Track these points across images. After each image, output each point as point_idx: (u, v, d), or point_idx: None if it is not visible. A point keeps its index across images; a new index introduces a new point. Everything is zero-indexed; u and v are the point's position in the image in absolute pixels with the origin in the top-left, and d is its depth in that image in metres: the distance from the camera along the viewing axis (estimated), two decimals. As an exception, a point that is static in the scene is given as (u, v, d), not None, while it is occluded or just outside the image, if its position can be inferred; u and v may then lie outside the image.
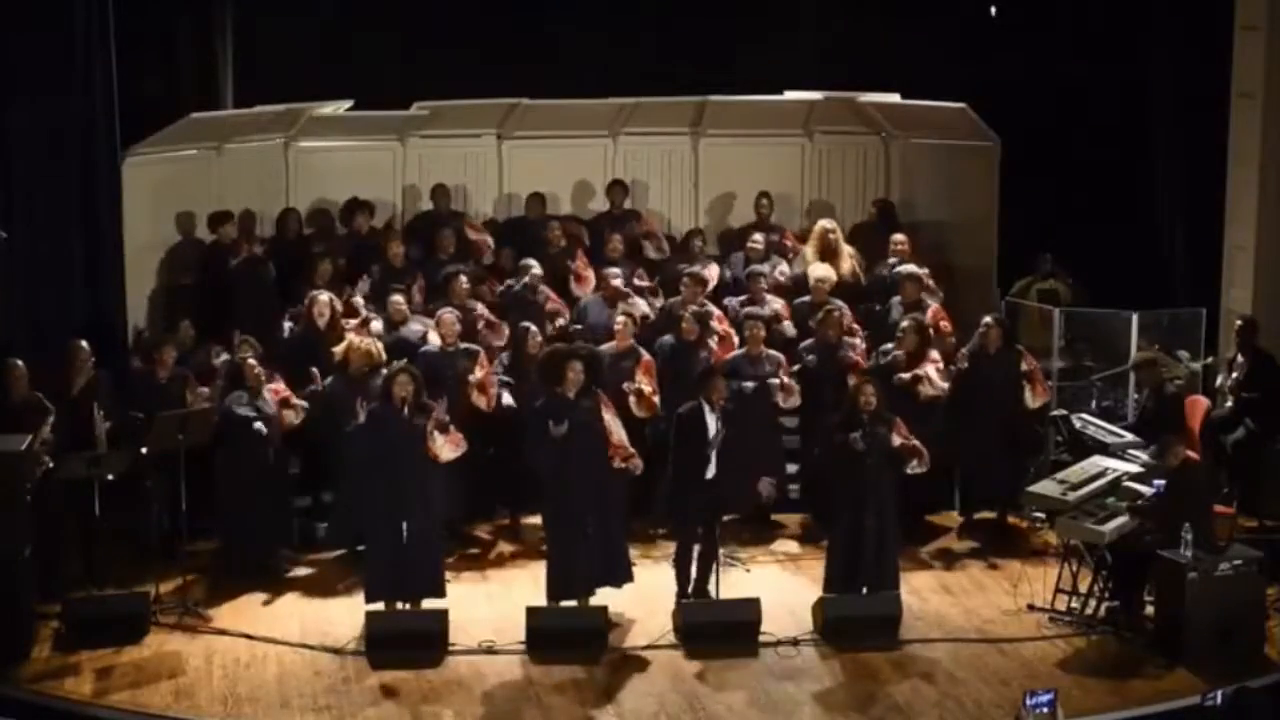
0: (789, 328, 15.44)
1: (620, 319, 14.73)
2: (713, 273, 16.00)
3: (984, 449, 14.65)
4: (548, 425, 12.78)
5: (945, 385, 14.51)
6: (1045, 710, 10.60)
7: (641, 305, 15.38)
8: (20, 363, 13.30)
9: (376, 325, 14.66)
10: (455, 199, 16.93)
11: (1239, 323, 15.34)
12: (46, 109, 14.89)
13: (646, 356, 14.59)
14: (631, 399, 14.25)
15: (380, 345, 14.26)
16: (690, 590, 13.24)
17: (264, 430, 13.63)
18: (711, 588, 13.13)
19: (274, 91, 16.62)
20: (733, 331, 15.15)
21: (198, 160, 16.30)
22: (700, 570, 13.21)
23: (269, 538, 13.95)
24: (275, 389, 13.90)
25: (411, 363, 13.50)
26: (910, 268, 15.68)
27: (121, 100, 15.16)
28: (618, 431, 13.17)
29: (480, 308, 15.12)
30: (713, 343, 14.92)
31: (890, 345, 14.83)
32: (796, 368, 14.79)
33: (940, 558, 14.44)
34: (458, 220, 16.54)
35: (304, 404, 13.99)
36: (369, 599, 12.91)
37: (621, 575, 13.11)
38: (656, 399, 14.37)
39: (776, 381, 14.50)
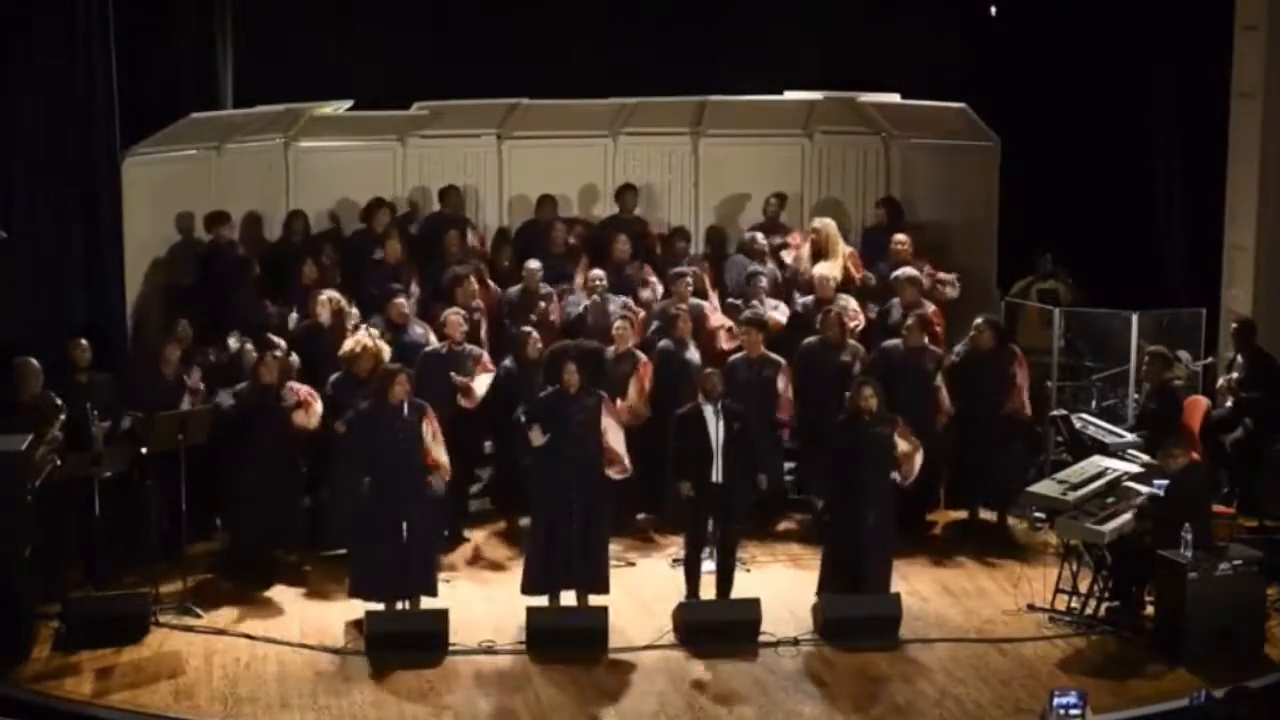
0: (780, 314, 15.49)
1: (620, 323, 14.72)
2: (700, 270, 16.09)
3: (977, 448, 14.66)
4: (530, 426, 12.93)
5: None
6: (1075, 713, 10.57)
7: (615, 303, 15.29)
8: (34, 361, 13.29)
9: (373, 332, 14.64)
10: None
11: (1234, 325, 15.37)
12: (46, 109, 14.89)
13: (645, 359, 14.58)
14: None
15: (386, 346, 14.25)
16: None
17: (293, 401, 13.69)
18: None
19: (274, 91, 16.60)
20: (725, 321, 15.16)
21: (198, 160, 16.28)
22: (720, 581, 13.21)
23: (274, 536, 13.97)
24: (296, 389, 13.90)
25: (412, 364, 13.54)
26: (910, 270, 15.66)
27: (121, 100, 15.16)
28: (613, 435, 13.20)
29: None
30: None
31: (894, 341, 14.90)
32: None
33: (940, 558, 14.44)
34: (463, 224, 16.53)
35: (318, 409, 13.88)
36: (352, 595, 12.96)
37: (598, 584, 13.06)
38: (644, 407, 14.39)
39: (781, 387, 14.52)
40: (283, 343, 14.45)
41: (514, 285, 15.64)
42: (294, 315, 15.07)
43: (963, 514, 15.15)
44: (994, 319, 15.17)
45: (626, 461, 13.22)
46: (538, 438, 12.92)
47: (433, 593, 13.00)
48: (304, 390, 13.88)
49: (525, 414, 13.10)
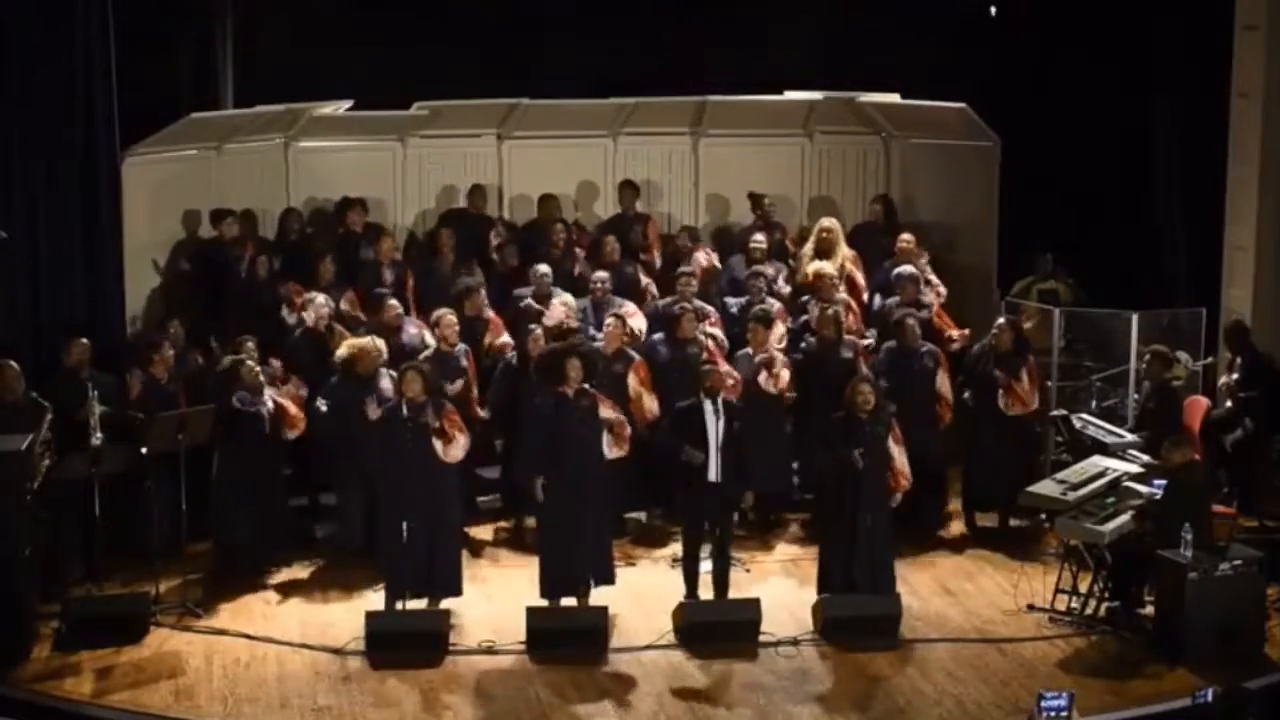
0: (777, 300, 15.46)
1: (610, 321, 14.71)
2: (702, 259, 16.02)
3: (988, 450, 14.66)
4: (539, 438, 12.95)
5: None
6: (1062, 714, 10.57)
7: (630, 309, 15.26)
8: (14, 364, 13.29)
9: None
10: (455, 199, 16.94)
11: (1225, 328, 15.38)
12: (46, 109, 14.89)
13: (638, 359, 14.57)
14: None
15: (382, 344, 14.25)
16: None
17: (266, 410, 13.66)
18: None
19: (274, 91, 16.61)
20: (720, 334, 15.15)
21: (198, 160, 16.29)
22: (717, 578, 13.19)
23: (267, 537, 13.97)
24: (284, 396, 13.91)
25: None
26: (909, 268, 15.66)
27: (121, 100, 15.17)
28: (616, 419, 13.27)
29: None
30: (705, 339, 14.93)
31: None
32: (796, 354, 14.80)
33: (940, 558, 14.44)
34: (489, 225, 16.52)
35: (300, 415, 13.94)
36: (391, 599, 12.92)
37: (603, 575, 13.10)
38: (653, 404, 14.35)
39: (763, 357, 14.47)
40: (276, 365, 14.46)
41: (517, 284, 15.62)
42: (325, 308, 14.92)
43: (964, 515, 15.13)
44: (1017, 321, 15.15)
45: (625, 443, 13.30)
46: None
47: (457, 592, 13.04)
48: (289, 397, 13.90)
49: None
